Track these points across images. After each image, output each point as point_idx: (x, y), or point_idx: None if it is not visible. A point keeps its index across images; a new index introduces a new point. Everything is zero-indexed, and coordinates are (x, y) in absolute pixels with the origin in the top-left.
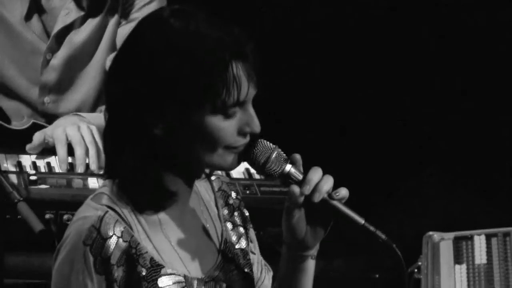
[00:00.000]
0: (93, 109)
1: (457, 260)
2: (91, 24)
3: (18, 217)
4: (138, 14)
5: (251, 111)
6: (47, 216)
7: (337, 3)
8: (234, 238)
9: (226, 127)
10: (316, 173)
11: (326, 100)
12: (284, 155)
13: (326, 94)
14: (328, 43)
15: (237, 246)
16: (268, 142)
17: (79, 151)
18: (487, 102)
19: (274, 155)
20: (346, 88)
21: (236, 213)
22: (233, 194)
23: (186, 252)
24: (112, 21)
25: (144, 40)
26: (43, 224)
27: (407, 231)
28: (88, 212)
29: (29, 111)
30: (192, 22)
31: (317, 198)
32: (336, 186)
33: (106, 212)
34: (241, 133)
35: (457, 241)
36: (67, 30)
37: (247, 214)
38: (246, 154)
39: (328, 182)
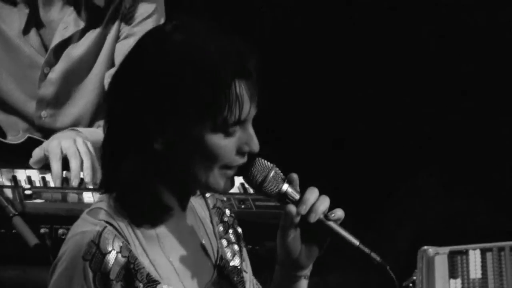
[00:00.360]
0: (90, 123)
1: (452, 274)
2: (89, 38)
3: (13, 231)
4: (136, 28)
5: (251, 130)
6: (42, 230)
7: (334, 9)
8: (229, 255)
9: (226, 145)
10: (312, 194)
11: (323, 105)
12: (281, 174)
13: (322, 99)
14: (325, 43)
15: (231, 263)
16: (265, 161)
17: (74, 163)
18: (487, 103)
19: (271, 175)
20: (345, 90)
21: (230, 231)
22: (227, 212)
23: (183, 267)
24: (111, 35)
25: (146, 54)
26: (38, 238)
27: (403, 240)
28: (86, 227)
29: (25, 125)
30: (194, 37)
31: (313, 218)
32: (332, 192)
33: (105, 227)
34: (239, 152)
35: (452, 255)
36: (65, 44)
37: (240, 231)
38: (243, 173)
39: (324, 203)
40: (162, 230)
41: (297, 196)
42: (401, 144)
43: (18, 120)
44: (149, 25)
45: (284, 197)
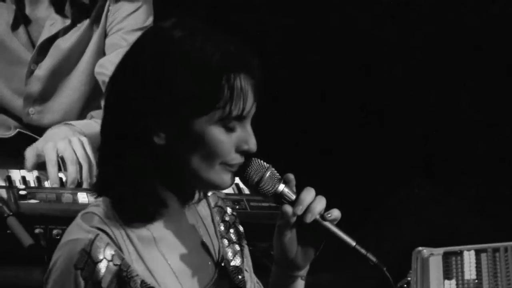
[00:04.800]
0: (78, 118)
1: (447, 275)
2: (76, 33)
3: (8, 231)
4: (124, 23)
5: (250, 129)
6: (37, 230)
7: (326, 10)
8: (230, 255)
9: (226, 141)
10: (309, 194)
11: (323, 104)
12: (278, 174)
13: (321, 100)
14: (318, 42)
15: (232, 263)
16: (262, 161)
17: (71, 169)
18: (480, 113)
19: (267, 175)
20: (344, 89)
21: (232, 230)
22: (229, 210)
23: (182, 268)
24: (97, 31)
25: (147, 49)
26: (33, 238)
27: (396, 245)
28: (79, 234)
29: (15, 122)
30: (195, 33)
31: (309, 218)
32: (326, 199)
33: (97, 235)
34: (238, 150)
35: (446, 256)
36: (52, 40)
37: (242, 230)
38: (239, 173)
39: (320, 203)
40: (160, 231)
41: (293, 196)
42: (390, 154)
43: (8, 117)
44: (136, 19)
45: (280, 198)
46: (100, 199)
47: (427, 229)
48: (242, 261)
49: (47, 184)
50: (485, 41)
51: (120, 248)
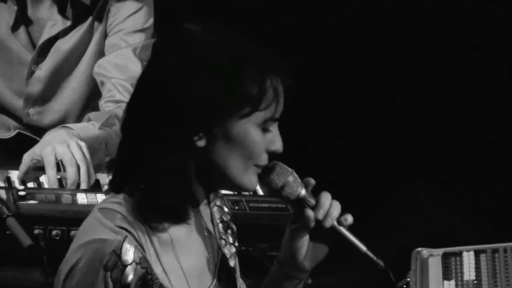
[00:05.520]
0: (78, 120)
1: (446, 276)
2: (77, 34)
3: (7, 232)
4: (124, 25)
5: (277, 130)
6: (36, 231)
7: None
8: (227, 256)
9: (262, 141)
10: (327, 198)
11: (323, 103)
12: (299, 179)
13: (322, 98)
14: (314, 48)
15: (228, 264)
16: (285, 165)
17: (70, 171)
18: (480, 115)
19: (291, 179)
20: (344, 87)
21: (229, 231)
22: (226, 209)
23: (191, 270)
24: (98, 32)
25: (187, 51)
26: (32, 239)
27: (396, 245)
28: (106, 234)
29: (15, 123)
30: (233, 36)
31: (328, 223)
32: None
33: (126, 236)
34: (267, 151)
35: (445, 257)
36: (53, 41)
37: (235, 230)
38: (262, 175)
39: (337, 208)
40: (177, 232)
41: (313, 201)
42: (389, 157)
43: (8, 118)
44: (136, 21)
45: (300, 202)
46: (120, 196)
47: (426, 230)
48: (235, 263)
49: (46, 185)
50: (485, 41)
51: (143, 249)
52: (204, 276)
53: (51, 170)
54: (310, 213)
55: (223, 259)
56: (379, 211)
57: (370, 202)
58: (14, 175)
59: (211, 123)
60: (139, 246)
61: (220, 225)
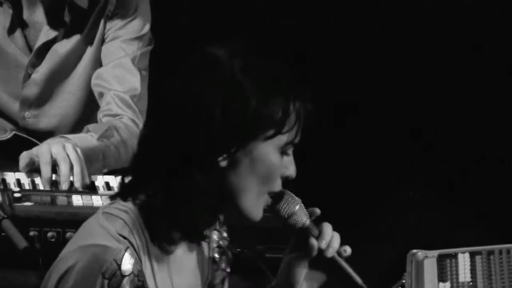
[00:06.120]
0: (74, 124)
1: (441, 278)
2: (74, 39)
3: (2, 234)
4: (122, 31)
5: (292, 156)
6: (31, 233)
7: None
8: (217, 281)
9: (280, 166)
10: (329, 229)
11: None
12: (305, 208)
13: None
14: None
15: None
16: (293, 194)
17: (63, 167)
18: (476, 116)
19: (298, 208)
20: (342, 89)
21: (223, 257)
22: (225, 234)
23: None
24: (96, 37)
25: (214, 75)
26: (27, 241)
27: (391, 247)
28: (109, 241)
29: (11, 126)
30: (252, 58)
31: (330, 253)
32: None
33: (128, 247)
34: (281, 176)
35: (441, 259)
36: (49, 44)
37: (231, 256)
38: (270, 204)
39: (337, 239)
40: (175, 251)
41: (317, 231)
42: (386, 158)
43: (4, 121)
44: (134, 27)
45: (304, 231)
46: (128, 204)
47: (421, 232)
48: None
49: (41, 186)
50: (485, 41)
51: (141, 262)
52: None
53: (45, 166)
54: (314, 242)
55: (212, 284)
56: (374, 213)
57: (366, 204)
58: (10, 177)
59: (236, 144)
60: (138, 258)
61: (216, 250)
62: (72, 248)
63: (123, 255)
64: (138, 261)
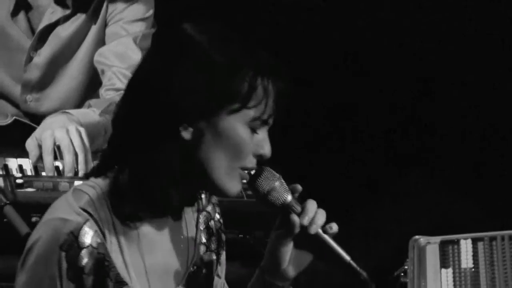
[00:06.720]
0: (75, 108)
1: (443, 264)
2: (76, 22)
3: (4, 220)
4: (124, 13)
5: (267, 135)
6: (34, 219)
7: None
8: (203, 262)
9: (249, 142)
10: (313, 205)
11: (316, 100)
12: (286, 184)
13: (314, 95)
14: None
15: (204, 271)
16: (272, 171)
17: (67, 157)
18: (478, 105)
19: (278, 185)
20: (339, 86)
21: (213, 238)
22: (217, 216)
23: (154, 269)
24: (98, 21)
25: (182, 47)
26: (30, 227)
27: (394, 233)
28: (68, 214)
29: (13, 109)
30: (228, 35)
31: (313, 230)
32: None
33: (87, 220)
34: (255, 154)
35: (443, 245)
36: (52, 27)
37: (224, 239)
38: (249, 182)
39: (322, 216)
40: (145, 228)
41: (299, 208)
42: (388, 146)
43: (6, 104)
44: (136, 10)
45: (286, 208)
46: (98, 180)
47: (424, 218)
48: (216, 268)
49: (43, 173)
50: (485, 40)
51: (104, 236)
52: (168, 278)
53: (47, 155)
54: (295, 218)
55: (199, 265)
56: (377, 200)
57: (368, 192)
58: (12, 162)
59: (197, 114)
60: (100, 232)
61: (204, 232)
62: (38, 224)
63: (81, 227)
64: (99, 234)
